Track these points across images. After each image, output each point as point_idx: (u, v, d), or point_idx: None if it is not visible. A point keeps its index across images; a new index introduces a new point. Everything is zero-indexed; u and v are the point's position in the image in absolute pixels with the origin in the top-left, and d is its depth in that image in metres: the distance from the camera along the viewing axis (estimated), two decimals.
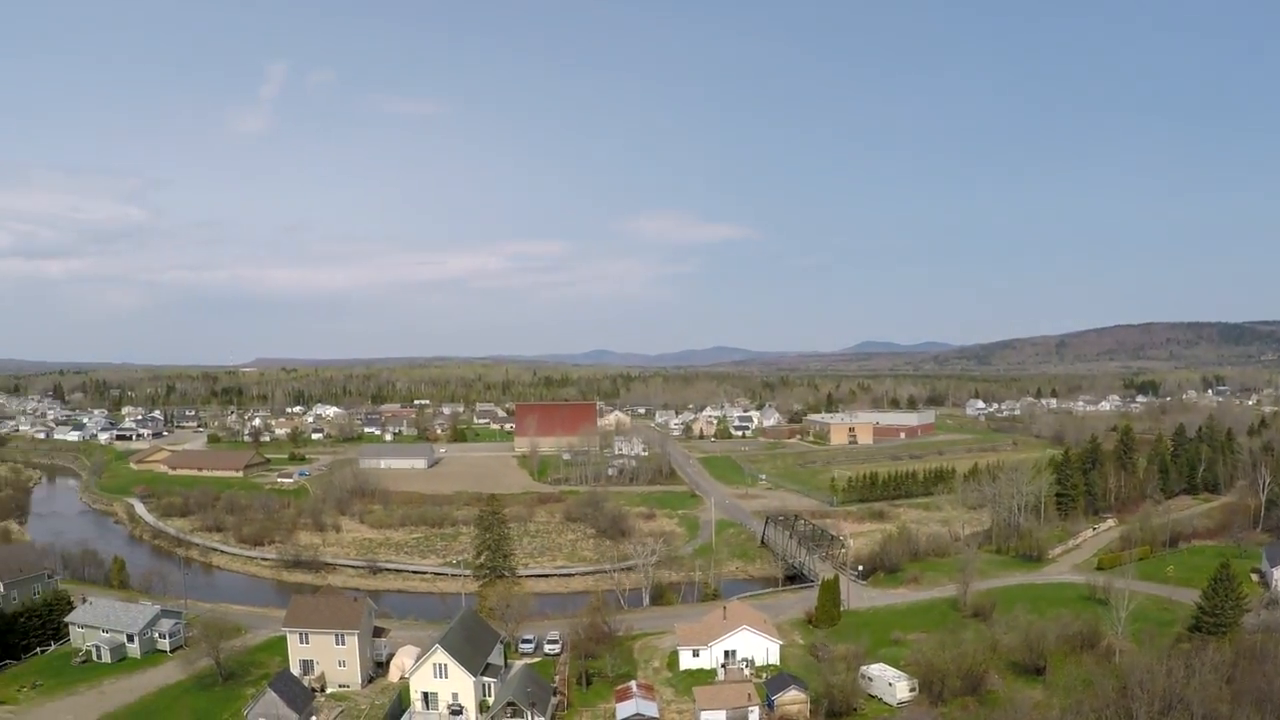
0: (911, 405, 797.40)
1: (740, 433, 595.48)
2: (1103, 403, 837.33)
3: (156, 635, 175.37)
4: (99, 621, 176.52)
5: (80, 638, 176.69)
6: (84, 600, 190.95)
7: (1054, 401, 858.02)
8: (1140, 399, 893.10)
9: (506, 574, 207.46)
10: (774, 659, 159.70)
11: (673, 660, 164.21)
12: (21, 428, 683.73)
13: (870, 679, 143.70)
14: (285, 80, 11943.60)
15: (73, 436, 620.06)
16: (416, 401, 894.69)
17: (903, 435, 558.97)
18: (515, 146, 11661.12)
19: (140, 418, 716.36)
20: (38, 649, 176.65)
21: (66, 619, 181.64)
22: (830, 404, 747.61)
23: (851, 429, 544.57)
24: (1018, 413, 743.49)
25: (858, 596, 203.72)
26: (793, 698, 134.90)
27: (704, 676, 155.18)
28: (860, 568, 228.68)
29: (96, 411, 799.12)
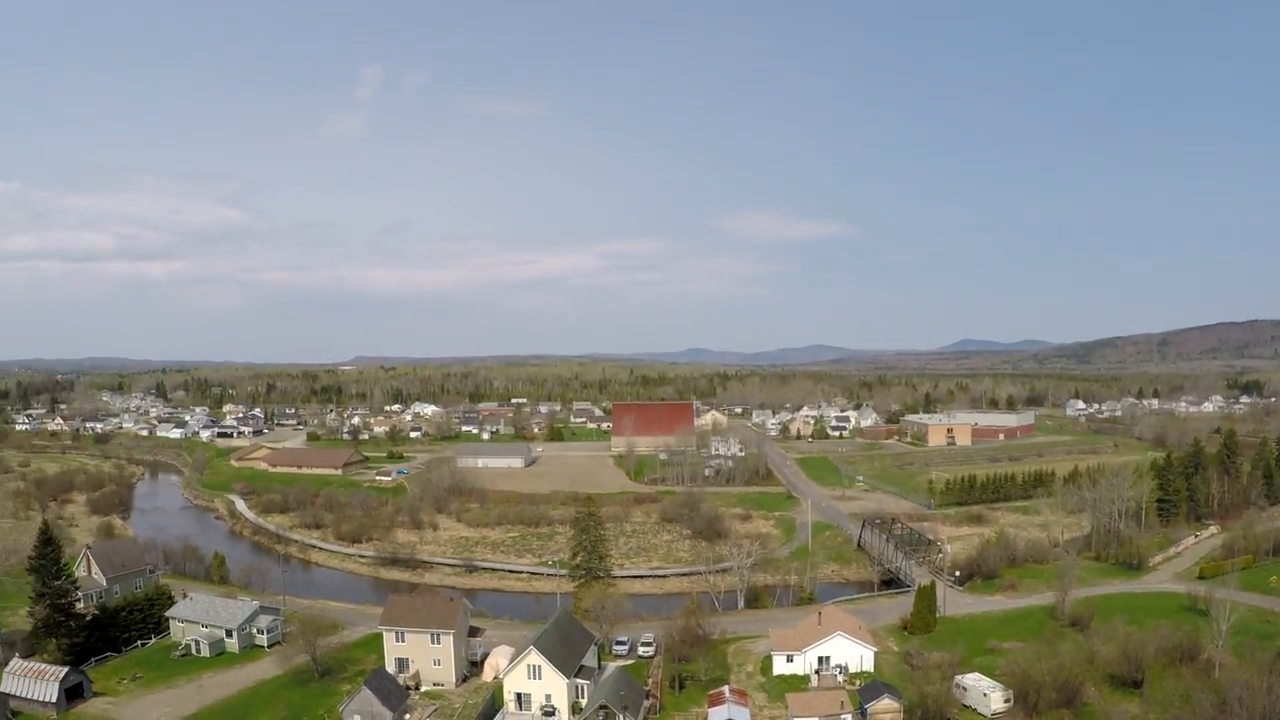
0: (1010, 406, 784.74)
1: (837, 433, 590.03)
2: (1205, 404, 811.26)
3: (255, 631, 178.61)
4: (199, 616, 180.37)
5: (180, 632, 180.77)
6: (184, 595, 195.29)
7: (1155, 402, 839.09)
8: (1244, 400, 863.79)
9: (602, 575, 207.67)
10: (868, 666, 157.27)
11: (766, 665, 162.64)
12: (125, 425, 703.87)
13: (965, 689, 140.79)
14: (380, 83, 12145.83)
15: (175, 434, 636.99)
16: (514, 400, 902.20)
17: (1001, 436, 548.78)
18: (610, 145, 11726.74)
19: (241, 415, 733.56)
20: (138, 642, 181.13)
21: (167, 613, 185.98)
22: (928, 404, 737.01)
23: (950, 430, 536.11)
24: (1118, 414, 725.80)
25: (954, 603, 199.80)
26: (885, 706, 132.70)
27: (797, 682, 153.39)
28: (957, 573, 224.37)
29: (198, 409, 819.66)
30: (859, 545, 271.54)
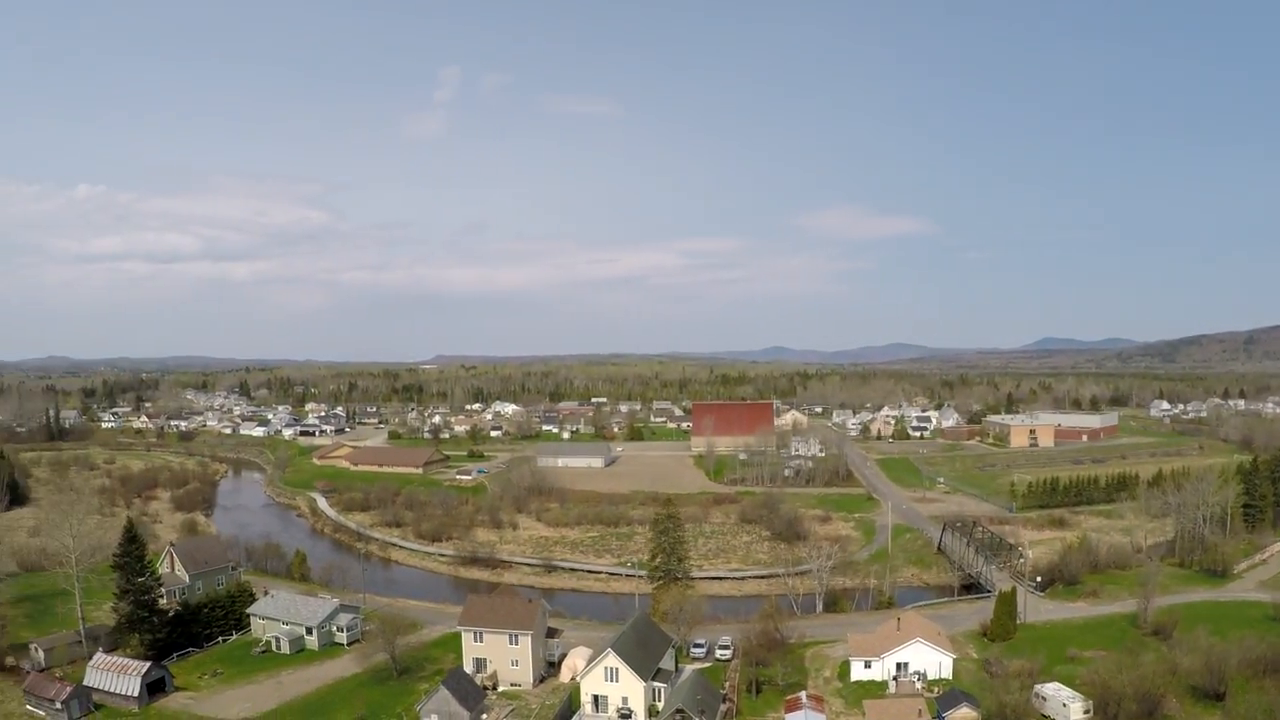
0: (1094, 406, 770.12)
1: (918, 433, 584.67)
2: None
3: (334, 629, 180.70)
4: (279, 614, 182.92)
5: (261, 628, 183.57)
6: (265, 593, 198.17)
7: (1241, 402, 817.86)
8: None
9: (680, 577, 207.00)
10: (946, 673, 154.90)
11: (844, 670, 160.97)
12: (209, 423, 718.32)
13: (1044, 698, 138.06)
14: (459, 84, 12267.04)
15: (258, 432, 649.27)
16: (594, 399, 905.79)
17: (1085, 438, 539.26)
18: (688, 143, 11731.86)
19: (323, 414, 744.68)
20: (219, 638, 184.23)
21: (248, 610, 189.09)
22: (1010, 404, 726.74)
23: (1032, 431, 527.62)
24: (1203, 415, 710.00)
25: (1034, 609, 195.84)
26: (964, 715, 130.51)
27: (875, 689, 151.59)
28: (1038, 579, 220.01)
29: (281, 408, 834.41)
30: (939, 549, 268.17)
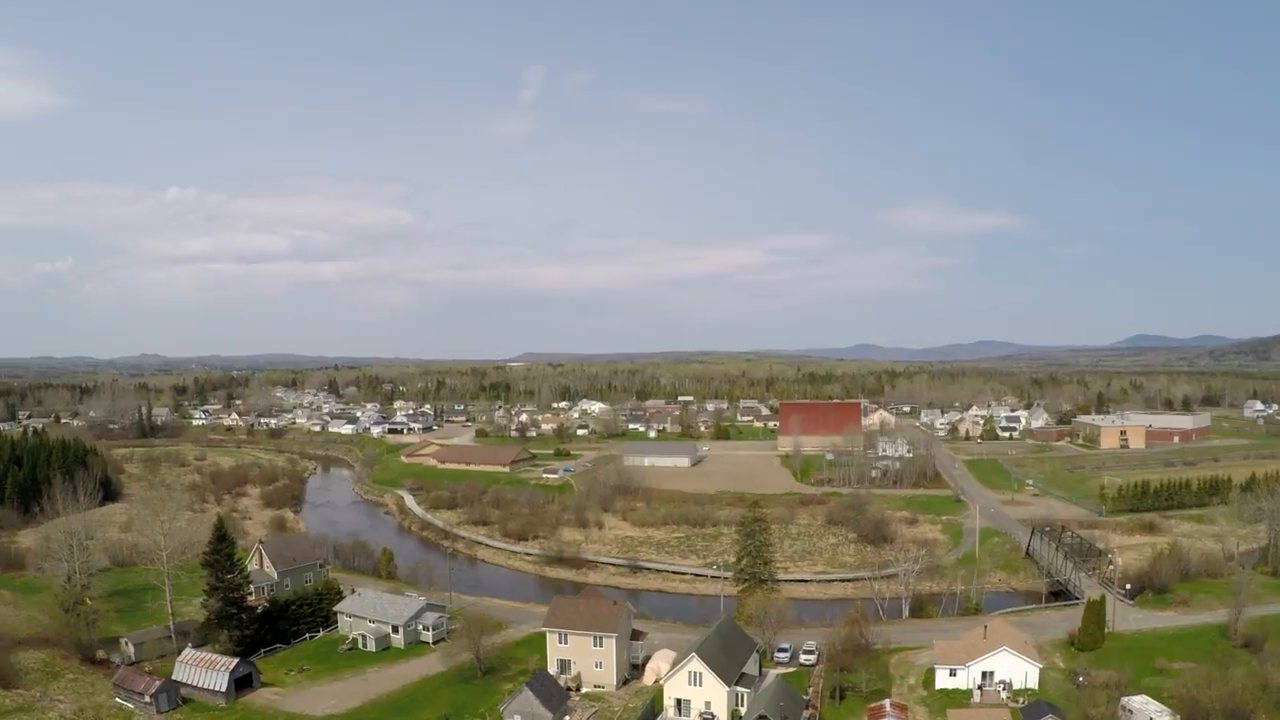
0: (1185, 406, 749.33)
1: (1007, 434, 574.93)
2: None
3: (420, 627, 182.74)
4: (366, 612, 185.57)
5: (348, 626, 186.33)
6: (353, 591, 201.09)
7: None
8: None
9: (766, 580, 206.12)
10: (1032, 683, 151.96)
11: (928, 678, 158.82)
12: (298, 420, 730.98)
13: (1130, 712, 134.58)
14: (544, 83, 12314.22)
15: (346, 429, 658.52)
16: (680, 398, 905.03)
17: (1176, 439, 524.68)
18: (772, 139, 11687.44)
19: (411, 412, 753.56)
20: (306, 635, 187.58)
21: (335, 608, 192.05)
22: (1100, 404, 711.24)
23: (1123, 432, 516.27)
24: None
25: (1123, 618, 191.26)
26: None
27: (960, 698, 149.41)
28: (1128, 586, 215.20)
29: (369, 405, 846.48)
30: (1027, 553, 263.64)
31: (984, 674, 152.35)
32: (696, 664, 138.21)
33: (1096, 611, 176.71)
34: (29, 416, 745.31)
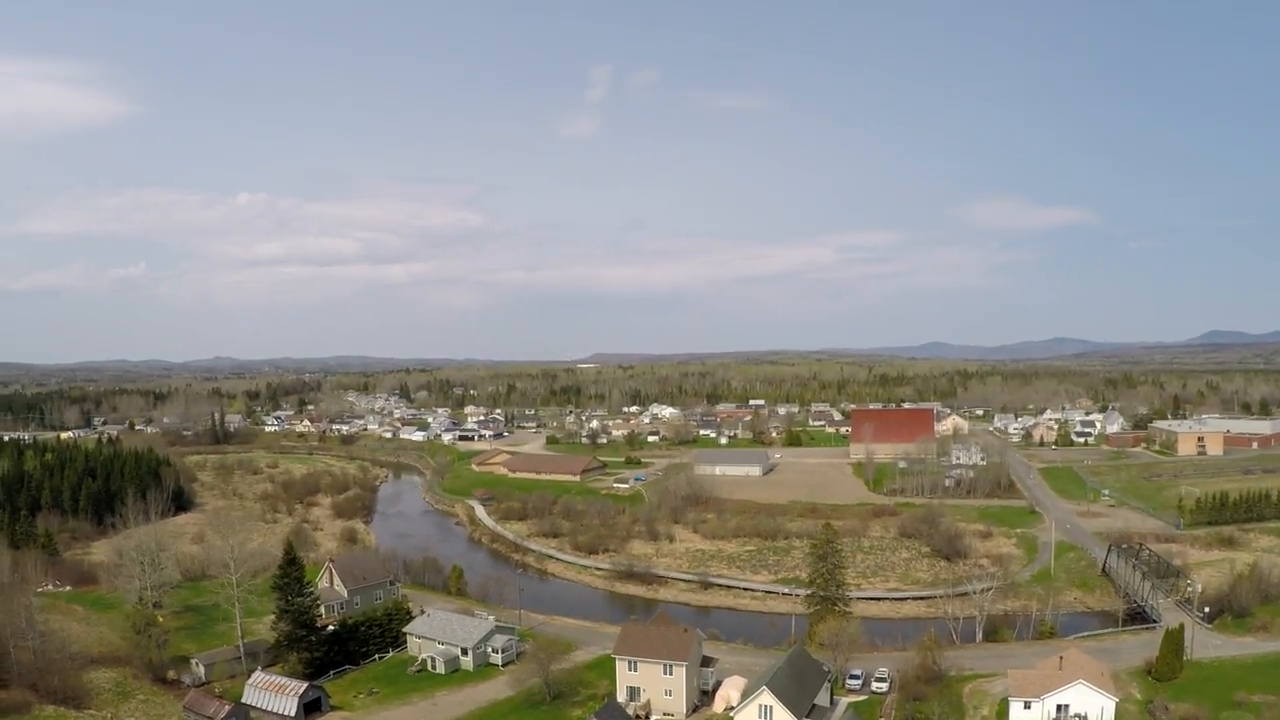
0: (1263, 409, 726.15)
1: (1082, 439, 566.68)
2: None
3: (490, 650, 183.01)
4: (435, 634, 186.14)
5: (417, 647, 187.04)
6: (421, 610, 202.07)
7: None
8: None
9: (839, 604, 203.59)
10: (1109, 717, 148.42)
11: (1002, 709, 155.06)
12: (370, 427, 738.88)
13: None
14: (610, 82, 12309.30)
15: (417, 436, 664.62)
16: (751, 402, 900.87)
17: (1255, 445, 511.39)
18: (840, 137, 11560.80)
19: (482, 418, 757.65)
20: (376, 656, 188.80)
21: (405, 629, 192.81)
22: (1176, 406, 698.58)
23: (1200, 438, 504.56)
24: None
25: (1201, 644, 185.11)
26: None
27: None
28: (1206, 609, 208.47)
29: (440, 411, 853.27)
30: (1103, 571, 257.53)
31: (1059, 707, 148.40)
32: (767, 697, 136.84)
33: (1175, 640, 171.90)
34: (104, 423, 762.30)
